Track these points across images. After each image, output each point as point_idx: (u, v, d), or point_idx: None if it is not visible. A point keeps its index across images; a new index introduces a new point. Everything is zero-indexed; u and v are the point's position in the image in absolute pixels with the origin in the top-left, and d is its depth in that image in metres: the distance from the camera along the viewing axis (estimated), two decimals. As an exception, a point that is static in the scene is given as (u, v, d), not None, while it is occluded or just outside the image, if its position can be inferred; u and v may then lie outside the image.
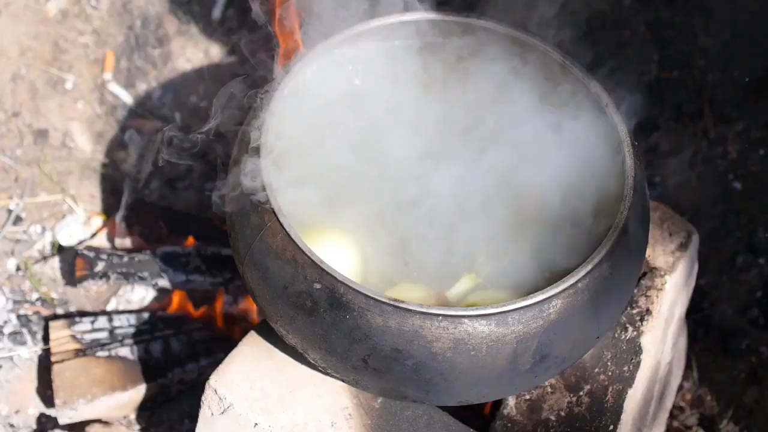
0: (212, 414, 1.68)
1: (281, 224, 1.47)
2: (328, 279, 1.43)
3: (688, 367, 2.25)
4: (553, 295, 1.44)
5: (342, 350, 1.46)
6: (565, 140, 1.68)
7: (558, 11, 1.76)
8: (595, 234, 1.58)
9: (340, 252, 1.60)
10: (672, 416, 2.21)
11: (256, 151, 1.52)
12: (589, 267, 1.46)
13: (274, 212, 1.48)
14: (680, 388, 2.24)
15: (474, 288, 1.58)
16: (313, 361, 1.55)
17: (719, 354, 2.29)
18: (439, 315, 1.41)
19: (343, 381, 1.59)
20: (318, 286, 1.44)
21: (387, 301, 1.41)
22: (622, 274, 1.54)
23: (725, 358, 2.28)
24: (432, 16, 1.73)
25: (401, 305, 1.41)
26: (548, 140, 1.70)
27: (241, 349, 1.71)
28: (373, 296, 1.41)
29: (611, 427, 1.66)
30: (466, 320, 1.42)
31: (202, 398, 1.68)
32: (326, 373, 1.59)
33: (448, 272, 1.62)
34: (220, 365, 1.68)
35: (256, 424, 1.63)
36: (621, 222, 1.51)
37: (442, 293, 1.58)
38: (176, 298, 2.23)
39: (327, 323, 1.45)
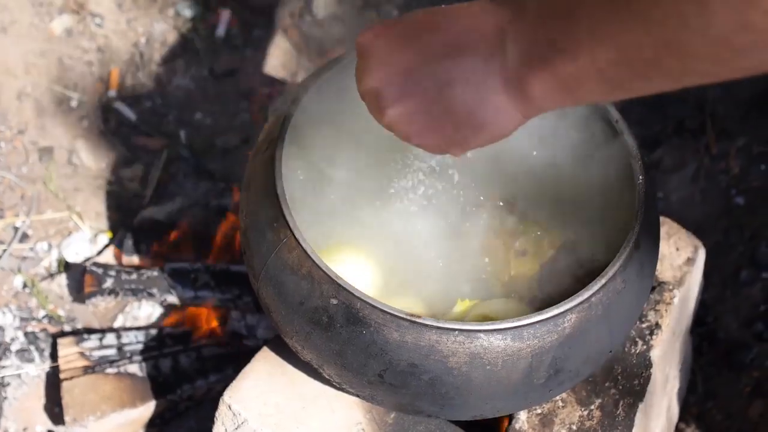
0: (226, 430, 1.68)
1: (297, 240, 1.47)
2: (345, 294, 1.43)
3: (693, 381, 2.26)
4: (568, 309, 1.44)
5: (358, 365, 1.46)
6: (575, 155, 1.69)
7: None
8: (603, 251, 1.59)
9: (359, 267, 1.60)
10: (678, 430, 2.21)
11: (273, 165, 1.53)
12: (603, 281, 1.46)
13: (290, 228, 1.48)
14: (686, 402, 2.24)
15: (468, 310, 1.58)
16: (327, 377, 1.55)
17: (724, 368, 2.30)
18: (455, 330, 1.41)
19: (357, 396, 1.59)
20: (335, 301, 1.44)
21: (404, 316, 1.41)
22: (635, 288, 1.54)
23: (730, 372, 2.29)
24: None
25: (418, 320, 1.41)
26: (557, 154, 1.71)
27: (254, 364, 1.71)
28: (390, 311, 1.41)
29: (623, 441, 1.67)
30: (482, 335, 1.42)
31: (216, 414, 1.68)
32: (341, 389, 1.59)
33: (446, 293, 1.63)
34: (234, 381, 1.68)
35: (270, 439, 1.63)
36: (633, 237, 1.51)
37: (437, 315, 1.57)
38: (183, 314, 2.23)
39: (343, 339, 1.45)
